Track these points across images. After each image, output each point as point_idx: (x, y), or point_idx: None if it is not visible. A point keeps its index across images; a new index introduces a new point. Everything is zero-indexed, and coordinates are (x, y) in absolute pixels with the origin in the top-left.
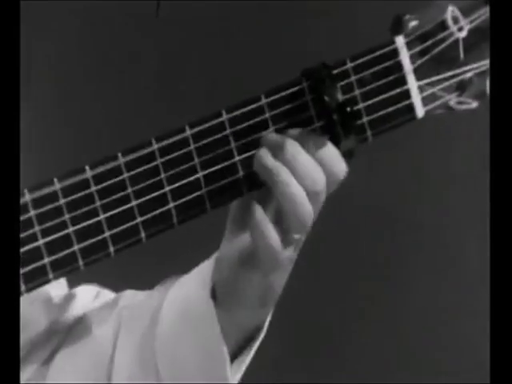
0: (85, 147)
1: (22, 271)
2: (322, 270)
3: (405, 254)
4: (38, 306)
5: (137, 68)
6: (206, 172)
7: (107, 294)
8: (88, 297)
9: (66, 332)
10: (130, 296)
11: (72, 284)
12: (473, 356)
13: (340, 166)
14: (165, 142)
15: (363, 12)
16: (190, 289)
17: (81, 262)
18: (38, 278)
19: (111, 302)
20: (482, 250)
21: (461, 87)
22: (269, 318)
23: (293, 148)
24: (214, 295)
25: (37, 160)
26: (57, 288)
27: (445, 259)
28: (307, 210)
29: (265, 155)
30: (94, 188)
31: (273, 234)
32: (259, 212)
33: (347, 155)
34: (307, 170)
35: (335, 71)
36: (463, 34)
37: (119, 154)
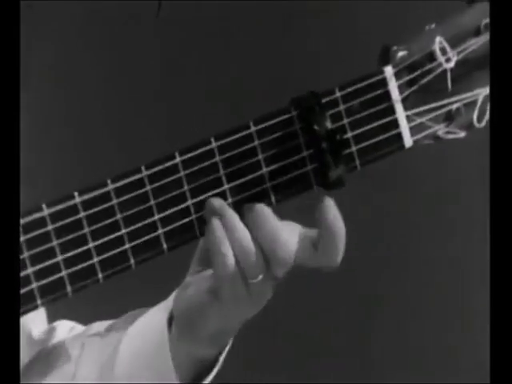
0: (85, 147)
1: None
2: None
3: (404, 253)
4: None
5: (137, 68)
6: (196, 200)
7: (80, 329)
8: (65, 329)
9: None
10: (96, 327)
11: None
12: (473, 356)
13: (284, 253)
14: (154, 169)
15: (363, 13)
16: (151, 319)
17: (69, 289)
18: (26, 305)
19: (80, 333)
20: (482, 249)
21: (449, 118)
22: (226, 350)
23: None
24: (171, 324)
25: (37, 160)
26: (38, 323)
27: (445, 259)
28: (234, 274)
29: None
30: (82, 214)
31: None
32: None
33: (336, 184)
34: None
35: (324, 100)
36: (451, 64)
37: (108, 181)
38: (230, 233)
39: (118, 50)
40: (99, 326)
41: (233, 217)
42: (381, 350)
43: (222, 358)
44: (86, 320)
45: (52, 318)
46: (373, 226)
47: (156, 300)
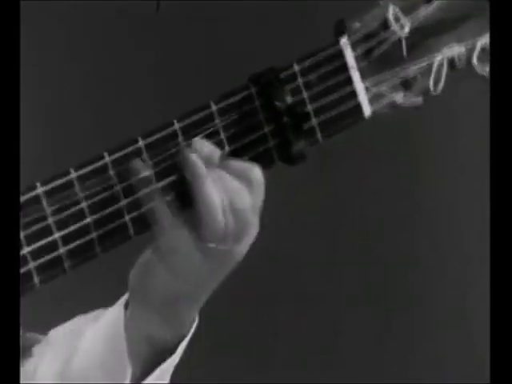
0: (80, 147)
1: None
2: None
3: (404, 252)
4: None
5: (135, 68)
6: (164, 183)
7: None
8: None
9: None
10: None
11: None
12: (473, 356)
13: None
14: (118, 154)
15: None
16: (112, 308)
17: (36, 280)
18: (24, 284)
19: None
20: (482, 249)
21: (406, 85)
22: (183, 344)
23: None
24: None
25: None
26: None
27: (445, 258)
28: (218, 223)
29: (196, 159)
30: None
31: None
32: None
33: (299, 158)
34: (232, 184)
35: (282, 75)
36: (405, 31)
37: (71, 169)
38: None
39: (118, 50)
40: (59, 329)
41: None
42: (381, 350)
43: (180, 348)
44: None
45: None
46: (371, 225)
47: None
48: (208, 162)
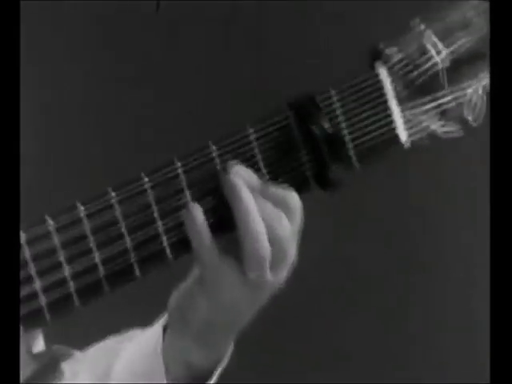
0: (80, 147)
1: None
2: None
3: (404, 253)
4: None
5: (135, 68)
6: (205, 207)
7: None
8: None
9: None
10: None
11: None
12: (473, 356)
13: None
14: (155, 175)
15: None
16: (148, 331)
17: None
18: (35, 320)
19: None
20: (482, 248)
21: (444, 114)
22: (219, 369)
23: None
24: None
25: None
26: (37, 344)
27: (446, 259)
28: (264, 250)
29: (242, 184)
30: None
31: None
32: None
33: (335, 184)
34: (273, 212)
35: (320, 101)
36: (442, 57)
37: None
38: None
39: (117, 50)
40: (93, 349)
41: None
42: (380, 350)
43: (216, 373)
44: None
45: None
46: (371, 228)
47: None
48: (248, 188)
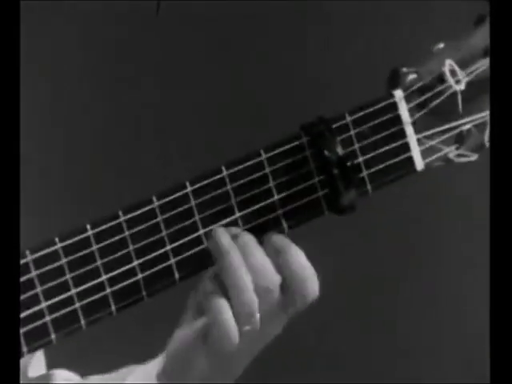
0: (80, 147)
1: (23, 331)
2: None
3: (404, 255)
4: None
5: (135, 68)
6: (208, 229)
7: (76, 380)
8: (61, 379)
9: None
10: (93, 380)
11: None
12: (473, 356)
13: (308, 275)
14: (166, 199)
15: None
16: (148, 369)
17: (83, 322)
18: (40, 339)
19: None
20: (483, 250)
21: (460, 140)
22: None
23: (249, 239)
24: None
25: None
26: (35, 366)
27: (445, 260)
28: (250, 301)
29: (223, 234)
30: (95, 247)
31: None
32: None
33: (348, 209)
34: (258, 263)
35: (334, 125)
36: (461, 86)
37: (120, 212)
38: (247, 257)
39: (117, 51)
40: (96, 379)
41: (251, 240)
42: (380, 351)
43: None
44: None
45: (49, 366)
46: (371, 232)
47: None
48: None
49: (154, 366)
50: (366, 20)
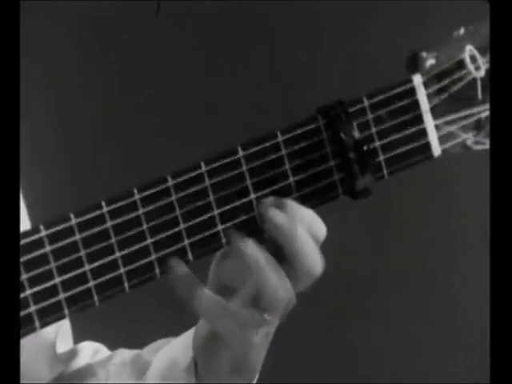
0: (80, 147)
1: (37, 307)
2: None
3: (404, 255)
4: (43, 361)
5: (135, 68)
6: (222, 210)
7: (105, 352)
8: (89, 353)
9: None
10: (120, 354)
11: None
12: (473, 356)
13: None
14: (180, 179)
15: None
16: (176, 355)
17: (95, 298)
18: (54, 314)
19: (105, 360)
20: (483, 251)
21: (477, 127)
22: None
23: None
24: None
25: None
26: (63, 341)
27: (445, 259)
28: (317, 259)
29: (277, 214)
30: (109, 223)
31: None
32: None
33: (363, 193)
34: (313, 218)
35: (351, 109)
36: (481, 73)
37: (135, 190)
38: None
39: (117, 52)
40: (123, 353)
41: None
42: (380, 350)
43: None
44: (111, 342)
45: (77, 337)
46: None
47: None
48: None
49: (187, 337)
50: (367, 15)
